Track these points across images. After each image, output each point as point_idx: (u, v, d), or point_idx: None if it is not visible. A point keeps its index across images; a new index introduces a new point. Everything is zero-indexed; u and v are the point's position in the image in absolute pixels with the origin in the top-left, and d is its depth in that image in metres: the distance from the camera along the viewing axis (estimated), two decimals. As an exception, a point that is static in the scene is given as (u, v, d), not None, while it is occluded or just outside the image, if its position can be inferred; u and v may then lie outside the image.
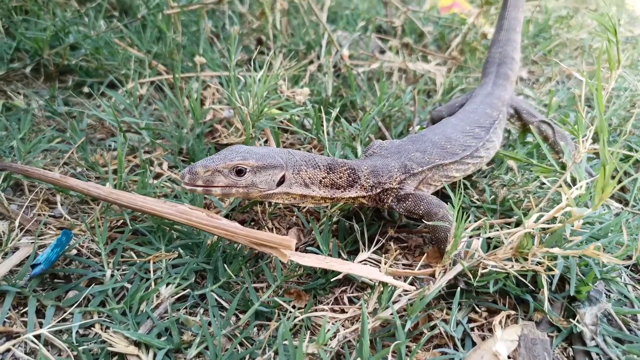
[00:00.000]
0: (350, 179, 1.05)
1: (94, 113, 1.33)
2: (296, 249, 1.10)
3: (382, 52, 2.00)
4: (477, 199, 1.20)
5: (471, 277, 0.92)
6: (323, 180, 1.03)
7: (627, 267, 1.13)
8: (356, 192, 1.06)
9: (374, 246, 1.08)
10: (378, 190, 1.06)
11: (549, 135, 1.33)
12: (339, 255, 1.06)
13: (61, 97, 1.60)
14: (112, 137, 1.43)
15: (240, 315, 0.94)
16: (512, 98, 1.38)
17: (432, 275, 0.96)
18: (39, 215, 1.14)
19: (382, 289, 0.90)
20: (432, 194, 1.10)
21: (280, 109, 1.42)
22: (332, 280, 0.97)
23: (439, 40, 2.08)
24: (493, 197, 1.16)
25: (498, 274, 0.92)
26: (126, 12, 2.16)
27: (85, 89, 1.65)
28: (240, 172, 0.94)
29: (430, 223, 1.01)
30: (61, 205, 1.17)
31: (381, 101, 1.47)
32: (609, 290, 1.02)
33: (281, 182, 0.99)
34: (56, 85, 1.68)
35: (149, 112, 1.50)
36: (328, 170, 1.03)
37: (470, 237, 1.00)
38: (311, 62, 1.80)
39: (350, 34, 1.92)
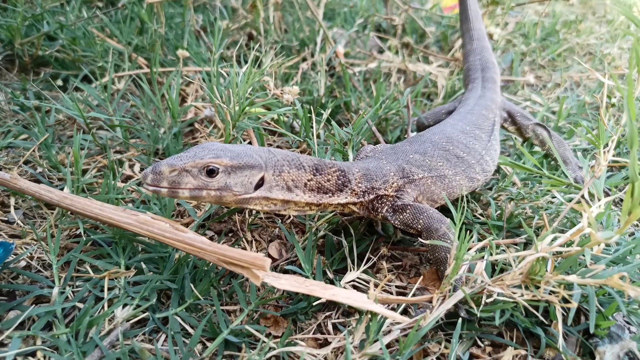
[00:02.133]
0: (340, 182, 0.91)
1: (59, 108, 1.20)
2: (276, 267, 0.98)
3: (381, 51, 1.88)
4: (481, 214, 1.08)
5: (474, 306, 0.79)
6: (308, 183, 0.89)
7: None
8: (346, 198, 0.92)
9: (364, 265, 0.96)
10: (371, 197, 0.93)
11: (545, 139, 1.23)
12: (324, 275, 0.94)
13: (32, 90, 1.48)
14: (83, 135, 1.30)
15: (208, 343, 0.81)
16: (504, 101, 1.30)
17: (430, 301, 0.84)
18: (-10, 220, 1.01)
19: (370, 317, 0.78)
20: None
21: (267, 108, 1.30)
22: (314, 304, 0.85)
23: (441, 41, 1.96)
24: (499, 212, 1.04)
25: (505, 304, 0.80)
26: (112, 4, 2.04)
27: (59, 82, 1.53)
28: (211, 172, 0.80)
29: (429, 242, 0.88)
30: (16, 209, 1.04)
31: (377, 103, 1.34)
32: (628, 323, 0.90)
33: (260, 184, 0.85)
34: (29, 77, 1.56)
35: (125, 109, 1.38)
36: (314, 171, 0.89)
37: (474, 259, 0.88)
38: (304, 59, 1.68)
39: (347, 31, 1.80)
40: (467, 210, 1.05)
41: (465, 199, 1.06)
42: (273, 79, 1.27)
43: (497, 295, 0.79)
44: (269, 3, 1.80)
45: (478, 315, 0.80)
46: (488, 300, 0.80)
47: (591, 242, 0.76)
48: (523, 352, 0.81)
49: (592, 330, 0.79)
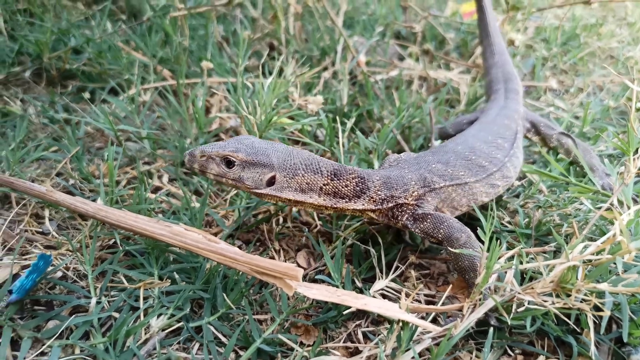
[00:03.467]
0: (358, 188, 0.93)
1: (88, 121, 1.23)
2: (305, 276, 0.99)
3: (401, 58, 1.89)
4: (509, 222, 1.08)
5: (505, 314, 0.79)
6: (324, 187, 0.92)
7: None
8: (363, 205, 0.94)
9: (392, 273, 0.96)
10: (390, 205, 0.94)
11: (570, 147, 1.23)
12: (353, 283, 0.94)
13: (61, 103, 1.52)
14: (112, 146, 1.33)
15: (241, 352, 0.83)
16: (527, 112, 1.31)
17: (460, 310, 0.84)
18: (26, 231, 1.04)
19: (401, 326, 0.78)
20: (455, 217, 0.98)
21: (291, 118, 1.31)
22: (344, 312, 0.86)
23: (462, 47, 1.96)
24: (527, 220, 1.03)
25: (536, 311, 0.80)
26: (135, 16, 2.08)
27: (86, 95, 1.57)
28: (229, 163, 0.90)
29: (455, 250, 0.88)
30: (50, 220, 1.07)
31: (400, 112, 1.35)
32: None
33: (272, 182, 0.90)
34: (57, 90, 1.60)
35: (152, 120, 1.40)
36: (332, 176, 0.92)
37: (504, 268, 0.88)
38: (325, 68, 1.70)
39: (368, 39, 1.81)
40: (495, 218, 1.05)
41: (493, 207, 1.06)
42: (297, 89, 1.29)
43: (528, 304, 0.79)
44: (289, 13, 1.82)
45: (509, 324, 0.80)
46: (519, 310, 0.80)
47: (622, 250, 0.76)
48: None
49: (625, 339, 0.78)
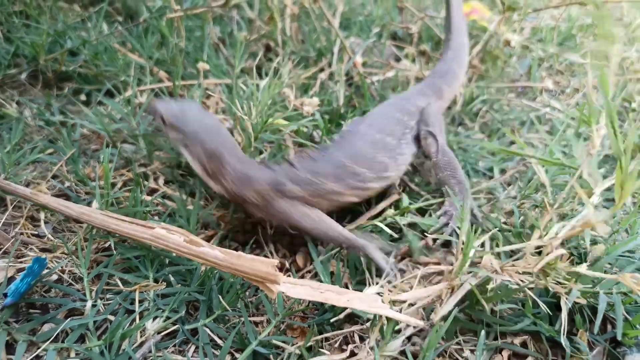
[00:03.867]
0: (220, 171, 1.01)
1: (84, 123, 1.23)
2: (302, 276, 0.99)
3: (398, 59, 1.89)
4: (505, 222, 1.08)
5: (482, 300, 0.80)
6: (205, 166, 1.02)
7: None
8: (219, 188, 1.02)
9: (384, 278, 0.96)
10: (239, 199, 1.02)
11: (431, 151, 1.16)
12: (346, 287, 0.95)
13: (57, 105, 1.52)
14: (107, 148, 1.33)
15: (236, 355, 0.83)
16: (429, 109, 1.24)
17: (439, 295, 0.83)
18: (21, 234, 1.04)
19: (385, 322, 0.78)
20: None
21: (287, 119, 1.31)
22: (341, 316, 0.86)
23: (458, 48, 1.96)
24: (522, 218, 1.04)
25: (511, 291, 0.80)
26: (131, 17, 2.08)
27: (82, 97, 1.57)
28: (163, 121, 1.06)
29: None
30: (45, 223, 1.07)
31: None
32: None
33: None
34: (53, 92, 1.60)
35: (148, 122, 1.40)
36: (209, 157, 1.00)
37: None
38: (322, 69, 1.70)
39: (364, 40, 1.81)
40: (493, 219, 1.05)
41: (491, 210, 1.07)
42: (293, 90, 1.29)
43: (504, 280, 0.80)
44: (285, 14, 1.82)
45: (498, 323, 0.81)
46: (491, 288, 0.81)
47: (587, 222, 0.76)
48: (549, 362, 0.81)
49: (619, 338, 0.78)
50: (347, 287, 0.96)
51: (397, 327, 0.80)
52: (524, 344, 0.84)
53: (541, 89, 1.69)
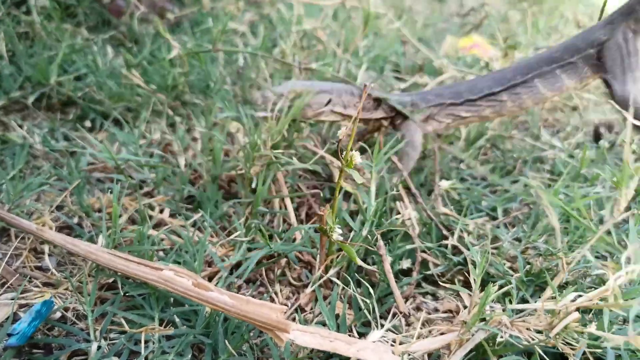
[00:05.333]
0: (352, 102, 1.33)
1: (88, 151, 1.23)
2: (309, 321, 0.99)
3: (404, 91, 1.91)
4: (510, 267, 1.08)
5: (487, 349, 0.80)
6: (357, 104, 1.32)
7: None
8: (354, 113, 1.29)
9: (390, 321, 0.96)
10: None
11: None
12: (350, 331, 0.94)
13: (61, 131, 1.52)
14: (113, 174, 1.32)
15: (242, 401, 0.82)
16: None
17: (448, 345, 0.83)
18: (24, 267, 1.03)
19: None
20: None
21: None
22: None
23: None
24: (528, 267, 1.04)
25: (516, 348, 0.80)
26: (136, 41, 2.09)
27: (87, 123, 1.57)
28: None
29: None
30: (49, 256, 1.06)
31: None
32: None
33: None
34: (57, 117, 1.60)
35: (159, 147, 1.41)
36: (343, 94, 1.32)
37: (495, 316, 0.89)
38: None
39: (377, 75, 1.84)
40: (497, 263, 1.06)
41: (488, 251, 1.07)
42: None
43: (511, 338, 0.80)
44: (293, 44, 1.84)
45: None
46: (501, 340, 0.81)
47: (612, 304, 0.77)
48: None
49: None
50: (351, 330, 0.95)
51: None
52: (530, 395, 0.84)
53: (540, 126, 1.71)
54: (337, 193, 0.88)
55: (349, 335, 0.91)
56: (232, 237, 1.12)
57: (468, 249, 1.07)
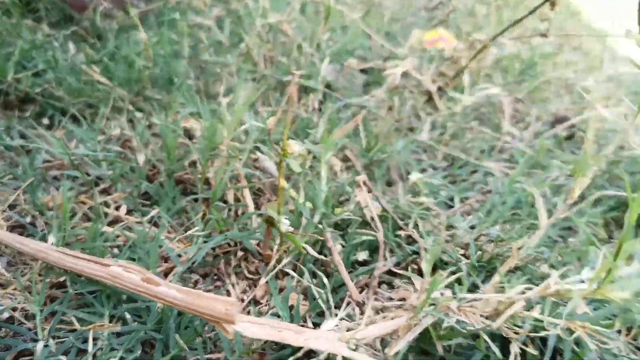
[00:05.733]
0: None
1: (44, 148, 1.21)
2: (263, 313, 0.99)
3: (366, 86, 1.92)
4: (463, 254, 1.10)
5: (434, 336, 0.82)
6: None
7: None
8: None
9: (344, 310, 0.97)
10: None
11: None
12: (305, 321, 0.95)
13: (18, 129, 1.49)
14: (69, 171, 1.30)
15: (192, 395, 0.82)
16: None
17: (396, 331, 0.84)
18: (-27, 268, 1.01)
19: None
20: None
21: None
22: (300, 353, 0.86)
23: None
24: (480, 253, 1.06)
25: (461, 333, 0.82)
26: (99, 37, 2.06)
27: (45, 121, 1.54)
28: None
29: None
30: (0, 256, 1.04)
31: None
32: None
33: None
34: (15, 114, 1.56)
35: (116, 145, 1.39)
36: None
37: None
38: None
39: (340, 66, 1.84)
40: (450, 250, 1.07)
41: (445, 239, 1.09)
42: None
43: (457, 323, 0.82)
44: (260, 46, 1.84)
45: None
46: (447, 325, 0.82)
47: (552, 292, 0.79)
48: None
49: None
50: (305, 321, 0.96)
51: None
52: (479, 380, 0.86)
53: (501, 117, 1.74)
54: (280, 183, 0.89)
55: (303, 326, 0.92)
56: (189, 232, 1.12)
57: (423, 238, 1.09)
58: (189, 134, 1.38)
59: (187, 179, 1.32)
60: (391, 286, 1.09)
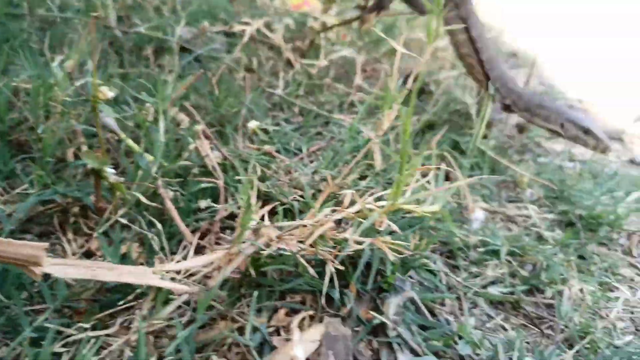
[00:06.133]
0: None
1: None
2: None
3: (229, 52, 1.92)
4: (301, 196, 1.17)
5: (251, 269, 0.88)
6: None
7: (441, 253, 1.17)
8: None
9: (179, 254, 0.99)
10: None
11: None
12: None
13: None
14: None
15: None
16: None
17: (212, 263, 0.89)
18: None
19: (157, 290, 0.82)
20: None
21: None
22: (130, 297, 0.87)
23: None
24: (312, 192, 1.13)
25: (284, 258, 0.89)
26: None
27: None
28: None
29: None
30: None
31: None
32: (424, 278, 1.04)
33: None
34: None
35: None
36: None
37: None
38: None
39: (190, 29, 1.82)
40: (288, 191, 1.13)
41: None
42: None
43: (279, 251, 0.89)
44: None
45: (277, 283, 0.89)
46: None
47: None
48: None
49: (370, 285, 0.91)
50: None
51: (172, 297, 0.84)
52: (303, 302, 0.93)
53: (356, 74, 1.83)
54: (98, 132, 0.88)
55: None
56: (16, 190, 1.07)
57: (262, 182, 1.14)
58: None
59: (24, 140, 1.26)
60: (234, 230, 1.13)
